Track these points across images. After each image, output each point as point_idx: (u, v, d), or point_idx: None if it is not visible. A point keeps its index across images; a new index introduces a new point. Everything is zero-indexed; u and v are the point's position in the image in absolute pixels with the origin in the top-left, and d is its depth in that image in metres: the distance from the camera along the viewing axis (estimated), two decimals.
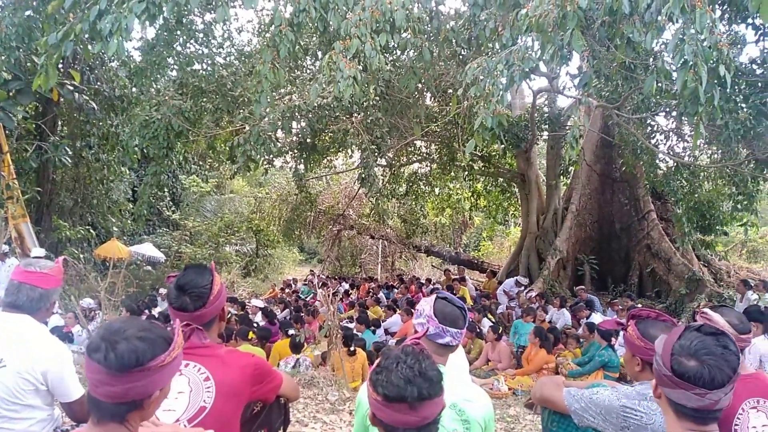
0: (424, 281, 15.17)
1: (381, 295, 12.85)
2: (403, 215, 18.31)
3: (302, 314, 9.52)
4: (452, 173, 15.57)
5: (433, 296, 2.20)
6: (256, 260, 21.44)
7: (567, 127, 9.20)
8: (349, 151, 11.81)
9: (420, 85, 8.42)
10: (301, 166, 10.79)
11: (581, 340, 7.96)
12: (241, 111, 8.98)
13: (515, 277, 12.49)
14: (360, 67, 6.95)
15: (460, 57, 7.75)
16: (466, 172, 15.21)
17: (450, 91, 8.52)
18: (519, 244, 15.10)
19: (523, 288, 11.86)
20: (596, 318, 9.22)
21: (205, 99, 9.56)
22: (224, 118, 9.92)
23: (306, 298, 14.49)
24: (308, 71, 9.95)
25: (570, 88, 9.82)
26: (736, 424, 2.72)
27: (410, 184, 16.11)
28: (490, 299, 12.33)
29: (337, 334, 6.35)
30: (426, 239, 19.75)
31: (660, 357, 1.55)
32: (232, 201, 21.99)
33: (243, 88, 8.82)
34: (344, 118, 8.43)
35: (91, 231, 13.03)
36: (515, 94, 14.50)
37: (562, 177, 14.69)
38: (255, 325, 8.87)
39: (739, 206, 10.97)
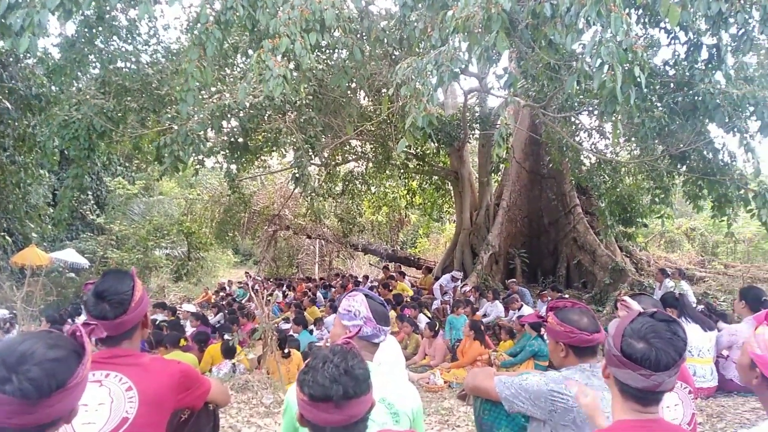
0: (361, 279, 15.22)
1: (318, 294, 12.78)
2: (340, 214, 18.27)
3: (236, 316, 9.34)
4: (388, 172, 15.69)
5: (361, 296, 2.20)
6: (188, 264, 20.80)
7: (497, 126, 9.50)
8: (283, 150, 11.66)
9: (353, 85, 8.43)
10: (233, 167, 10.54)
11: (514, 332, 8.21)
12: (168, 110, 8.68)
13: (451, 273, 12.71)
14: (291, 66, 6.90)
15: (392, 57, 7.81)
16: (402, 171, 15.38)
17: (383, 90, 8.58)
18: (453, 240, 15.41)
19: (458, 283, 12.09)
20: (527, 310, 9.56)
21: (129, 98, 9.16)
22: (150, 117, 9.54)
23: (241, 300, 14.22)
24: (239, 70, 9.74)
25: (498, 88, 10.11)
26: None
27: (346, 183, 16.09)
28: (426, 295, 12.53)
29: (271, 337, 6.26)
30: (363, 238, 19.80)
31: (612, 338, 1.60)
32: (161, 203, 21.20)
33: (170, 87, 8.53)
34: (277, 117, 8.30)
35: (7, 237, 12.22)
36: (447, 93, 14.74)
37: (493, 174, 15.08)
38: (187, 331, 8.61)
39: (656, 199, 11.66)
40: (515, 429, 2.60)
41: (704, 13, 5.03)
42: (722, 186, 7.82)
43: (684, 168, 8.50)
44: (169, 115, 7.93)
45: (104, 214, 19.55)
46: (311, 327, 9.30)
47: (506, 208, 14.13)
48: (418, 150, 14.32)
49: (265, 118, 8.59)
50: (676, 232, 18.70)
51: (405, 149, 13.77)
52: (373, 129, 12.09)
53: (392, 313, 9.15)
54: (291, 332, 8.49)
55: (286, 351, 6.49)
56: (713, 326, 5.42)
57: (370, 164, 15.36)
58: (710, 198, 8.49)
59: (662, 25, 7.00)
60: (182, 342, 7.07)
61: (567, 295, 10.59)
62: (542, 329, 7.23)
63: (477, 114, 13.72)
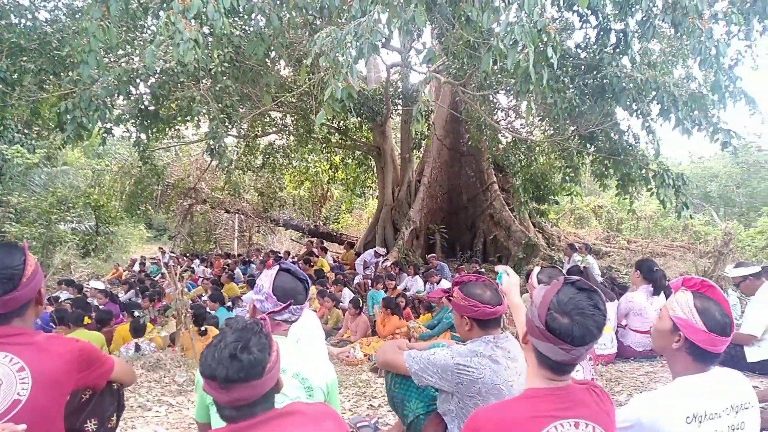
0: (282, 254, 15.05)
1: (237, 270, 12.52)
2: (260, 188, 17.88)
3: (152, 293, 9.00)
4: (310, 145, 15.47)
5: (274, 270, 2.17)
6: (97, 239, 19.66)
7: (423, 103, 9.57)
8: (198, 120, 11.16)
9: (272, 53, 8.18)
10: (144, 136, 9.97)
11: (432, 305, 8.43)
12: (70, 73, 8.04)
13: (374, 248, 12.82)
14: (206, 31, 6.58)
15: (313, 26, 7.64)
16: (324, 145, 15.23)
17: (304, 60, 8.39)
18: (375, 215, 15.53)
19: (381, 258, 12.23)
20: (445, 284, 9.85)
21: (25, 58, 8.40)
22: (50, 80, 8.82)
23: (155, 277, 13.71)
24: (149, 32, 9.17)
25: (419, 64, 10.19)
26: None
27: (267, 156, 15.71)
28: (348, 270, 12.61)
29: (185, 314, 6.08)
30: (284, 212, 19.52)
31: (536, 309, 1.63)
32: (66, 174, 19.78)
33: (71, 48, 7.89)
34: (190, 84, 7.91)
35: None
36: (370, 67, 14.74)
37: (415, 151, 15.25)
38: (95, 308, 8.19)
39: (567, 178, 12.27)
40: (425, 401, 2.69)
41: None
42: (626, 166, 8.34)
43: (592, 148, 8.98)
44: (70, 79, 7.35)
45: (1, 185, 18.02)
46: (229, 303, 9.12)
47: (427, 185, 14.38)
48: (341, 124, 14.22)
49: (178, 84, 8.17)
50: (585, 209, 19.81)
51: (327, 123, 13.67)
52: (294, 101, 11.83)
53: (313, 289, 9.16)
54: (208, 309, 8.31)
55: (202, 328, 6.33)
56: (614, 297, 5.84)
57: (292, 137, 15.08)
58: (615, 177, 9.04)
59: (575, 8, 7.27)
60: (86, 320, 6.71)
61: (483, 270, 10.98)
62: None
63: (400, 90, 13.76)
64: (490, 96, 10.78)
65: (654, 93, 6.76)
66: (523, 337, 1.73)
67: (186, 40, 4.74)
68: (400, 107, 13.85)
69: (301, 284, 2.17)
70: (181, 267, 9.87)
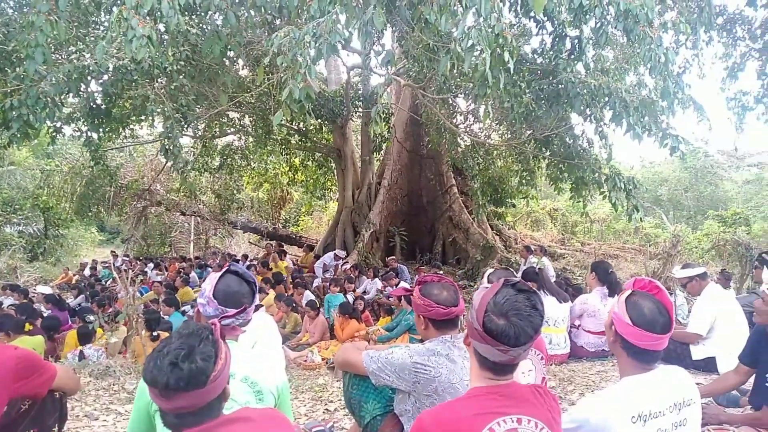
0: (240, 258, 14.81)
1: (193, 274, 12.24)
2: (217, 190, 17.54)
3: (102, 298, 8.72)
4: (269, 147, 15.28)
5: (218, 273, 2.12)
6: (45, 242, 18.94)
7: (382, 105, 9.57)
8: (152, 120, 10.86)
9: (229, 52, 8.04)
10: (95, 135, 9.63)
11: (392, 309, 8.43)
12: (17, 69, 7.70)
13: (334, 251, 12.76)
14: (161, 28, 6.41)
15: (272, 26, 7.54)
16: (283, 146, 15.07)
17: (263, 60, 8.27)
18: (336, 218, 15.45)
19: (341, 261, 12.18)
20: (404, 286, 9.86)
21: None
22: None
23: (106, 281, 13.28)
24: (102, 29, 8.88)
25: (378, 66, 10.20)
26: None
27: (224, 157, 15.44)
28: (307, 273, 12.49)
29: (137, 319, 5.90)
30: (242, 215, 19.22)
31: (475, 312, 1.63)
32: (13, 174, 18.99)
33: (17, 42, 7.56)
34: (144, 82, 7.69)
35: None
36: (331, 69, 14.64)
37: (375, 153, 15.26)
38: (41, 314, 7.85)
39: (523, 181, 12.52)
40: (382, 402, 2.68)
41: (567, 6, 5.41)
42: (580, 170, 8.55)
43: (548, 152, 9.17)
44: (16, 75, 7.04)
45: None
46: (184, 308, 8.91)
47: (387, 187, 14.41)
48: (301, 126, 14.08)
49: (132, 83, 7.93)
50: (541, 213, 20.24)
51: (286, 124, 13.52)
52: (252, 101, 11.68)
53: (271, 293, 9.03)
54: (162, 314, 8.09)
55: (154, 333, 6.16)
56: (568, 298, 5.95)
57: (250, 138, 14.86)
58: (569, 181, 9.26)
59: (532, 14, 7.41)
60: (28, 327, 6.42)
61: (442, 271, 11.06)
62: None
63: (360, 92, 13.75)
64: (450, 99, 10.88)
65: (606, 99, 6.94)
66: (465, 338, 1.74)
67: (139, 37, 4.60)
68: (360, 109, 13.84)
69: (248, 287, 2.11)
70: (133, 271, 9.59)
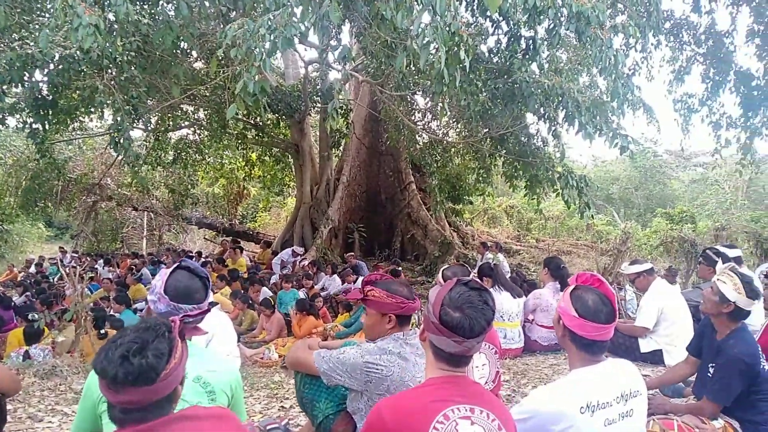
0: (194, 254, 14.50)
1: (145, 271, 11.91)
2: (171, 185, 17.08)
3: (47, 296, 8.40)
4: (225, 141, 14.99)
5: (169, 269, 2.07)
6: None
7: (339, 101, 9.54)
8: (102, 112, 10.48)
9: (182, 44, 7.84)
10: (41, 127, 9.23)
11: (351, 304, 8.41)
12: None
13: (292, 247, 12.65)
14: (111, 17, 6.20)
15: (227, 18, 7.38)
16: (240, 141, 14.80)
17: (216, 52, 8.09)
18: (294, 214, 15.32)
19: (299, 257, 12.09)
20: (359, 287, 9.85)
21: None
22: None
23: (54, 278, 12.80)
24: (48, 16, 8.51)
25: (334, 61, 10.16)
26: None
27: (178, 151, 15.05)
28: (265, 269, 12.35)
29: (85, 317, 5.70)
30: (197, 210, 18.82)
31: (431, 306, 1.72)
32: None
33: None
34: (93, 73, 7.41)
35: None
36: (289, 63, 14.51)
37: (334, 149, 15.19)
38: None
39: (480, 178, 12.69)
40: (335, 401, 2.67)
41: (522, 6, 5.50)
42: (534, 168, 8.73)
43: (503, 150, 9.33)
44: None
45: None
46: (136, 305, 8.68)
47: (346, 183, 14.38)
48: (257, 120, 13.87)
49: (80, 73, 7.63)
50: (497, 209, 20.58)
51: (242, 118, 13.31)
52: (207, 94, 11.43)
53: (227, 290, 8.89)
54: (112, 311, 7.86)
55: (102, 332, 5.97)
56: (522, 293, 6.08)
57: (205, 132, 14.55)
58: (524, 178, 9.44)
59: (488, 14, 7.50)
60: None
61: (400, 268, 11.12)
62: None
63: (318, 87, 13.65)
64: (408, 96, 10.92)
65: (560, 99, 7.09)
66: (421, 333, 1.81)
67: (86, 26, 4.43)
68: (319, 105, 13.73)
69: (200, 282, 2.07)
70: (82, 268, 9.27)
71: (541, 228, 19.88)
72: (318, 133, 15.29)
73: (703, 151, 26.87)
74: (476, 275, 6.24)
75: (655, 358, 4.97)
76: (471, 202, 16.04)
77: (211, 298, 4.98)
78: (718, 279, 2.97)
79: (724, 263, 4.06)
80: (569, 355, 2.06)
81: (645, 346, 5.04)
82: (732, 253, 5.48)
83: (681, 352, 3.66)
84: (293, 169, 16.24)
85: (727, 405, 2.87)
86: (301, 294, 8.81)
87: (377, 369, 2.33)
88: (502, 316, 5.57)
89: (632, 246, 10.11)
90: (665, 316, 4.96)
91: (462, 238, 15.18)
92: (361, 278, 10.01)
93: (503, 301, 5.60)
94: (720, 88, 10.52)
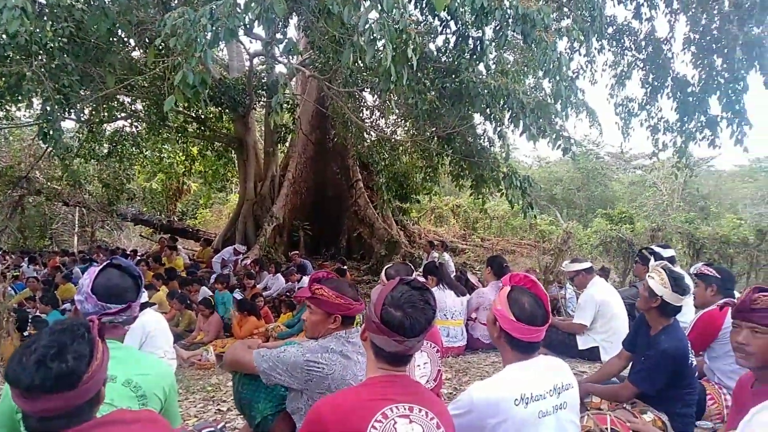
0: (130, 253, 14.02)
1: (76, 269, 11.42)
2: (105, 179, 16.43)
3: None
4: (164, 134, 14.58)
5: (98, 267, 2.00)
6: None
7: (284, 95, 9.45)
8: (30, 101, 9.96)
9: (119, 32, 7.56)
10: None
11: (294, 304, 8.35)
12: None
13: (234, 245, 12.44)
14: (41, 0, 5.92)
15: (167, 6, 7.19)
16: (180, 134, 14.41)
17: (155, 41, 7.85)
18: (236, 211, 15.08)
19: (241, 256, 11.90)
20: (307, 281, 9.80)
21: None
22: None
23: None
24: None
25: (280, 55, 10.04)
26: None
27: (114, 144, 14.49)
28: (205, 268, 12.09)
29: (7, 319, 5.43)
30: (133, 206, 18.20)
31: (373, 305, 1.74)
32: None
33: None
34: (20, 59, 7.04)
35: None
36: (233, 55, 14.22)
37: (279, 145, 15.01)
38: None
39: (427, 177, 12.85)
40: (274, 401, 2.65)
41: (470, 6, 5.61)
42: (480, 167, 8.92)
43: (450, 149, 9.48)
44: None
45: None
46: (65, 306, 8.31)
47: (291, 180, 14.26)
48: (199, 113, 13.55)
49: (6, 59, 7.23)
50: (444, 209, 20.89)
51: (183, 111, 12.97)
52: (146, 85, 11.09)
53: (163, 290, 8.66)
54: (38, 312, 7.52)
55: (26, 334, 5.71)
56: (465, 292, 6.21)
57: (143, 124, 14.08)
58: (470, 178, 9.64)
59: (437, 13, 7.60)
60: None
61: (345, 267, 11.12)
62: None
63: (264, 80, 13.45)
64: (356, 93, 10.93)
65: (505, 99, 7.27)
66: (362, 333, 1.83)
67: (11, 8, 4.22)
68: (264, 99, 13.54)
69: (131, 281, 2.01)
70: (5, 265, 8.81)
71: (486, 227, 20.31)
72: (263, 128, 15.09)
73: (642, 153, 28.10)
74: (421, 274, 6.34)
75: (593, 354, 5.17)
76: (418, 201, 16.22)
77: (145, 298, 4.85)
78: (648, 275, 3.14)
79: (656, 261, 4.28)
80: (503, 353, 2.13)
81: (583, 343, 5.25)
82: (666, 252, 5.79)
83: (617, 349, 3.82)
84: (236, 165, 15.97)
85: (647, 393, 3.02)
86: (237, 295, 8.66)
87: (318, 367, 2.33)
88: (445, 314, 5.67)
89: (573, 245, 10.48)
90: (602, 313, 5.18)
91: (409, 237, 15.33)
92: (306, 278, 9.98)
93: (447, 299, 5.71)
94: (658, 93, 11.02)
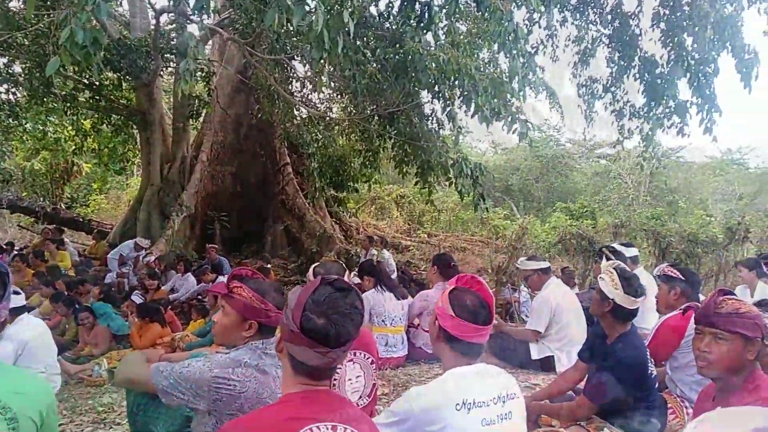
0: (5, 246, 13.37)
1: None
2: None
3: None
4: (49, 104, 13.94)
5: None
6: None
7: (197, 60, 9.20)
8: None
9: None
10: None
11: (207, 309, 8.21)
12: None
13: (135, 239, 12.10)
14: None
15: None
16: (69, 105, 13.83)
17: None
18: (138, 198, 14.64)
19: (143, 252, 11.59)
20: (224, 282, 9.66)
21: None
22: None
23: None
24: None
25: (192, 13, 9.76)
26: (335, 378, 3.22)
27: None
28: (99, 266, 11.74)
29: None
30: (10, 190, 17.40)
31: (290, 312, 1.70)
32: None
33: None
34: None
35: None
36: (136, 11, 13.75)
37: (192, 120, 14.68)
38: None
39: (367, 162, 12.89)
40: (175, 424, 2.60)
41: None
42: (426, 153, 9.03)
43: (393, 131, 9.54)
44: None
45: None
46: None
47: (206, 162, 13.98)
48: (92, 79, 13.03)
49: None
50: (387, 199, 21.03)
51: (73, 76, 12.43)
52: (27, 43, 10.58)
53: (46, 291, 8.34)
54: None
55: None
56: (407, 295, 6.29)
57: (23, 91, 13.42)
58: (415, 164, 9.74)
59: None
60: None
61: (269, 266, 11.05)
62: None
63: (174, 43, 13.07)
64: (284, 62, 10.80)
65: (456, 75, 7.35)
66: (277, 343, 1.81)
67: None
68: (173, 64, 13.17)
69: None
70: None
71: (433, 221, 20.59)
72: (172, 100, 14.68)
73: (607, 141, 29.13)
74: (356, 273, 6.37)
75: (547, 365, 5.35)
76: (356, 190, 16.25)
77: (21, 301, 4.67)
78: (599, 277, 3.28)
79: (608, 261, 4.46)
80: (443, 357, 2.21)
81: (536, 351, 5.42)
82: (629, 252, 6.06)
83: (573, 360, 3.97)
84: (139, 143, 15.48)
85: (604, 406, 3.17)
86: (137, 299, 8.40)
87: (229, 385, 2.30)
88: (384, 320, 5.72)
89: (529, 243, 10.80)
90: (557, 319, 5.36)
91: (345, 231, 15.37)
92: (222, 278, 9.82)
93: (386, 303, 5.76)
94: (624, 74, 11.48)
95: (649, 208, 20.95)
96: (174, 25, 13.51)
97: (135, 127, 15.03)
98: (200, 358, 2.52)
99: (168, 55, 12.38)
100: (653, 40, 11.03)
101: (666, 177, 26.25)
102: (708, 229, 14.75)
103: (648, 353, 3.31)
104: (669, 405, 3.66)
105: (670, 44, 10.62)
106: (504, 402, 2.13)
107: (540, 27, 11.06)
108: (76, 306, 7.68)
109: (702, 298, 4.10)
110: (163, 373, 2.37)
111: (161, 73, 13.18)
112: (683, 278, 3.99)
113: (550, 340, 5.40)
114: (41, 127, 16.29)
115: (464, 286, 2.24)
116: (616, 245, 6.11)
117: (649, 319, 4.77)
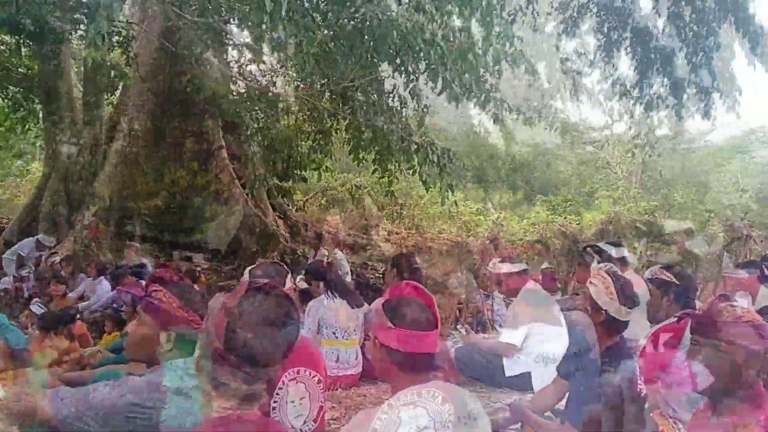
0: None
1: None
2: None
3: None
4: None
5: None
6: None
7: (112, 22, 9.03)
8: None
9: None
10: None
11: (124, 319, 8.11)
12: None
13: (36, 237, 11.91)
14: None
15: None
16: None
17: None
18: (40, 186, 14.41)
19: (46, 251, 11.42)
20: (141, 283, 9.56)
21: None
22: None
23: None
24: None
25: None
26: (275, 401, 3.20)
27: None
28: None
29: None
30: None
31: (213, 327, 1.71)
32: None
33: None
34: None
35: None
36: None
37: (106, 94, 14.45)
38: None
39: (317, 147, 12.86)
40: None
41: None
42: (386, 136, 9.03)
43: (348, 109, 9.53)
44: None
45: None
46: None
47: (124, 145, 13.74)
48: None
49: None
50: (340, 190, 20.96)
51: None
52: None
53: None
54: None
55: None
56: (363, 303, 6.27)
57: None
58: (374, 149, 9.74)
59: None
60: None
61: (199, 268, 10.98)
62: None
63: (84, 1, 12.85)
64: (218, 26, 10.68)
65: (421, 45, 7.36)
66: (196, 362, 1.81)
67: None
68: (84, 27, 12.93)
69: None
70: None
71: (395, 216, 20.63)
72: (83, 70, 14.42)
73: (596, 126, 29.63)
74: (303, 277, 6.34)
75: (523, 382, 5.41)
76: (304, 179, 16.21)
77: None
78: (590, 282, 3.32)
79: (600, 263, 4.53)
80: (391, 381, 2.21)
81: (511, 368, 5.47)
82: (617, 252, 6.16)
83: (552, 376, 4.02)
84: (41, 121, 15.18)
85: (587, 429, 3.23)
86: (36, 309, 8.25)
87: (144, 413, 2.25)
88: (335, 332, 5.70)
89: (504, 242, 10.92)
90: (536, 330, 5.42)
91: (290, 228, 15.31)
92: (142, 282, 9.71)
93: (338, 311, 5.74)
94: (614, 46, 11.68)
95: (641, 201, 21.40)
96: None
97: (37, 102, 14.73)
98: (108, 381, 2.47)
99: (78, 15, 12.14)
100: (648, 12, 11.25)
101: (661, 167, 26.80)
102: (708, 226, 15.14)
103: (638, 369, 3.36)
104: (660, 428, 3.73)
105: (667, 14, 10.84)
106: (465, 424, 2.09)
107: None
108: None
109: (699, 304, 4.18)
110: (63, 400, 2.31)
111: (70, 37, 12.92)
112: (678, 282, 4.06)
113: (528, 354, 5.45)
114: None
115: (399, 296, 2.24)
116: (602, 244, 6.20)
117: (637, 330, 4.85)
